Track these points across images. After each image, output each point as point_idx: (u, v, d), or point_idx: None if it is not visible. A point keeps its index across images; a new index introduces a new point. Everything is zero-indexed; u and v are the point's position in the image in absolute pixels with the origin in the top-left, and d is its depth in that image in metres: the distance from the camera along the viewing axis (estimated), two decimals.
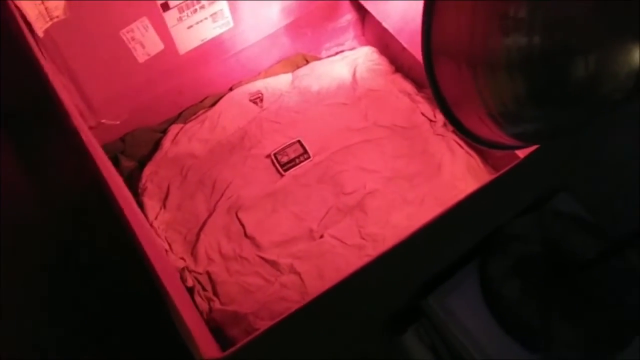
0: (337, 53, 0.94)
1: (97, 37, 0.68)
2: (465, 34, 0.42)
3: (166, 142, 0.81)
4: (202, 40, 0.77)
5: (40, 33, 0.62)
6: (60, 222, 0.81)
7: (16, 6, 0.58)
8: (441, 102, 0.48)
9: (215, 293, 0.69)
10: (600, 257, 0.61)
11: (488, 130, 0.45)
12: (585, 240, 0.67)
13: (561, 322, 0.63)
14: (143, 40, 0.71)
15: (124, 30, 0.69)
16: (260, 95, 0.86)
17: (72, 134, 0.52)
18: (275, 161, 0.79)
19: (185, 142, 0.81)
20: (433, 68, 0.47)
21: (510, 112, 0.41)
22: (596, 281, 0.65)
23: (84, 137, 0.52)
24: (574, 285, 0.65)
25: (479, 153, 0.80)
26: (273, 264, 0.71)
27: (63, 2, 0.61)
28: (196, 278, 0.70)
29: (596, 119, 0.39)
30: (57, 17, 0.62)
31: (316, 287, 0.69)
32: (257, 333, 0.44)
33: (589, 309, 0.63)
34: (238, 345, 0.42)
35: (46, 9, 0.61)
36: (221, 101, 0.85)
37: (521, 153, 0.61)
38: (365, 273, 0.48)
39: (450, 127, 0.82)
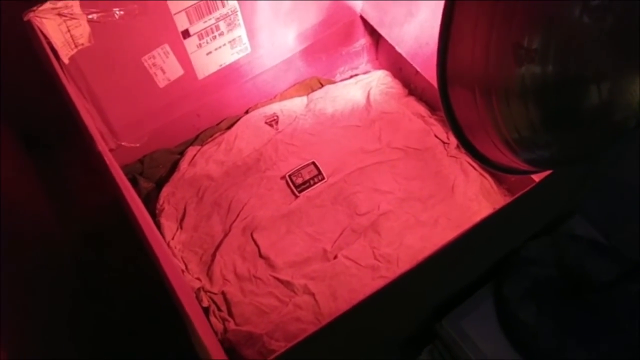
0: (351, 76, 0.95)
1: (120, 63, 0.70)
2: (480, 62, 0.43)
3: (183, 164, 0.82)
4: (221, 65, 0.79)
5: (65, 60, 0.64)
6: (80, 241, 0.82)
7: (43, 33, 0.60)
8: (455, 127, 0.49)
9: (230, 313, 0.70)
10: (617, 280, 0.61)
11: (502, 156, 0.46)
12: (601, 263, 0.67)
13: (577, 345, 0.62)
14: (164, 66, 0.73)
15: (145, 57, 0.71)
16: (275, 117, 0.88)
17: (94, 156, 0.53)
18: (290, 182, 0.80)
19: (202, 163, 0.82)
20: (448, 94, 0.48)
21: (524, 138, 0.42)
22: (612, 305, 0.64)
23: (106, 160, 0.53)
24: (590, 308, 0.64)
25: (493, 175, 0.80)
26: (287, 284, 0.72)
27: (88, 30, 0.64)
28: (211, 298, 0.71)
29: (611, 146, 0.40)
30: (82, 44, 0.64)
31: (330, 308, 0.69)
32: (272, 357, 0.44)
33: (605, 333, 0.63)
34: None
35: (72, 36, 0.63)
36: (237, 124, 0.87)
37: (536, 177, 0.61)
38: (380, 296, 0.48)
39: (464, 149, 0.83)
